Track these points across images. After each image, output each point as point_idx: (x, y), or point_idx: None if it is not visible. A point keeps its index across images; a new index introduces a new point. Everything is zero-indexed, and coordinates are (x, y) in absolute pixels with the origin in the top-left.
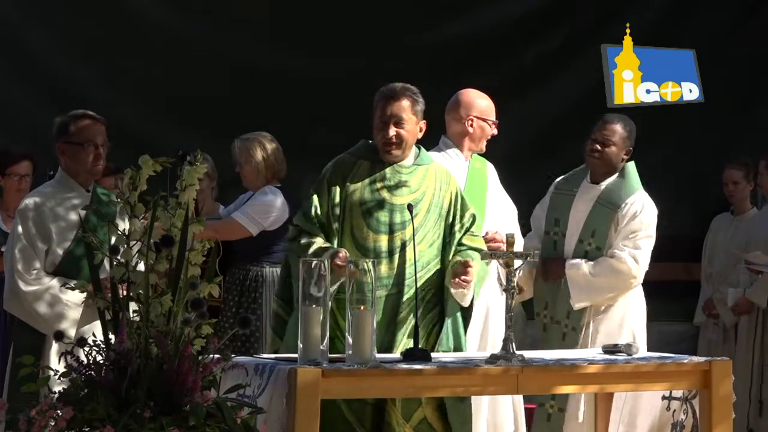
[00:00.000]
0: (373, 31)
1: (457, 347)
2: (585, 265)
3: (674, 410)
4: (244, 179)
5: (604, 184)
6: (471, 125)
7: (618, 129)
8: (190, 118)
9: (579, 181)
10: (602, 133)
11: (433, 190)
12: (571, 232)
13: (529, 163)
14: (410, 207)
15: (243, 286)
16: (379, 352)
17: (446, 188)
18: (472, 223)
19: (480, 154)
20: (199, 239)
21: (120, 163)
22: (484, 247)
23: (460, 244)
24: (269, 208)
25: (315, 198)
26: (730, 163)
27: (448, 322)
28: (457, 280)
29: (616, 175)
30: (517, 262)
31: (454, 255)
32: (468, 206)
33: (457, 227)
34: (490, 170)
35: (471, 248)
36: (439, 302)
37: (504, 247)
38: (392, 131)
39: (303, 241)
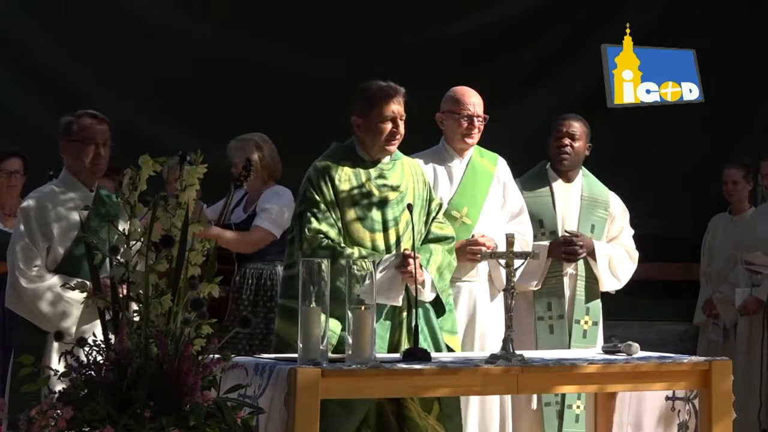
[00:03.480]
0: (373, 31)
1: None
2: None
3: (679, 410)
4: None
5: (577, 181)
6: (441, 123)
7: (581, 125)
8: (190, 118)
9: (544, 179)
10: (570, 128)
11: (413, 183)
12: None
13: (529, 164)
14: (410, 207)
15: (257, 285)
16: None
17: (421, 179)
18: (438, 212)
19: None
20: (199, 239)
21: (119, 162)
22: (452, 233)
23: (429, 232)
24: (286, 209)
25: (319, 202)
26: (730, 163)
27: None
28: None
29: (581, 170)
30: (517, 262)
31: (421, 243)
32: (435, 195)
33: (425, 216)
34: (499, 168)
35: (439, 237)
36: None
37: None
38: (401, 127)
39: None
